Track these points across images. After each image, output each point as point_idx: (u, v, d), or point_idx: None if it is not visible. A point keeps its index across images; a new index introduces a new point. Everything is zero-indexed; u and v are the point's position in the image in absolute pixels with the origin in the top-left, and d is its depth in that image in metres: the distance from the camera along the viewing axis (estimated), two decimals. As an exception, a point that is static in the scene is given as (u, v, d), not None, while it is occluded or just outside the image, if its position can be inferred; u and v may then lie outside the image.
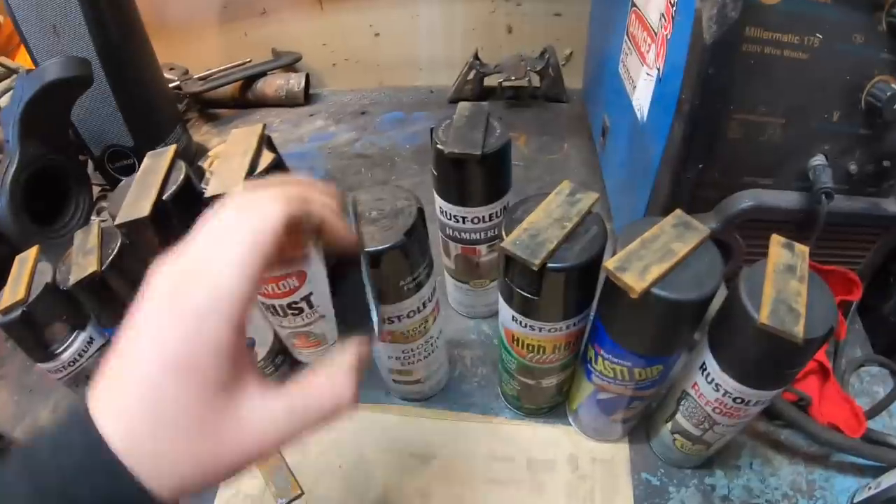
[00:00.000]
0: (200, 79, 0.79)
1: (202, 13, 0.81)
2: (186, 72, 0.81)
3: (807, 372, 0.43)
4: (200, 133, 0.82)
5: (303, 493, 0.41)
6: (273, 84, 0.81)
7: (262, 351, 0.44)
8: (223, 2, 0.81)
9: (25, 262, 0.39)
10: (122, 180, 0.60)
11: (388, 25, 0.83)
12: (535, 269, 0.29)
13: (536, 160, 0.70)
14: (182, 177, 0.34)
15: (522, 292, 0.32)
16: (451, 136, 0.38)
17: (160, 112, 0.61)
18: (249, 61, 0.82)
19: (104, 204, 0.68)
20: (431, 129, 0.39)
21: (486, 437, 0.43)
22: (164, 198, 0.33)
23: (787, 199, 0.40)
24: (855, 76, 0.37)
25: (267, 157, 0.33)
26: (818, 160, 0.39)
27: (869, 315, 0.50)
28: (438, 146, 0.38)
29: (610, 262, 0.29)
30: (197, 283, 0.20)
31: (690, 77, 0.36)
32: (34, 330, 0.38)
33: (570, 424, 0.43)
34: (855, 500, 0.39)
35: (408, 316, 0.36)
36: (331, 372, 0.22)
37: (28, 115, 0.49)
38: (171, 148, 0.36)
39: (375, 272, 0.32)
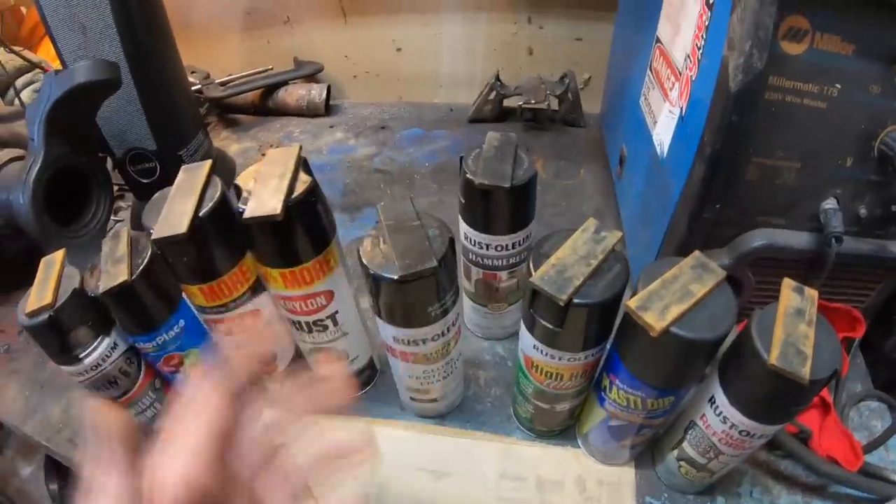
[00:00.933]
0: (221, 84, 0.80)
1: (226, 18, 0.83)
2: (208, 76, 0.82)
3: (809, 406, 0.45)
4: (220, 138, 0.83)
5: (316, 504, 0.43)
6: (295, 94, 0.82)
7: (281, 365, 0.45)
8: (247, 7, 0.82)
9: (52, 265, 0.40)
10: (142, 182, 0.62)
11: (411, 41, 0.85)
12: (561, 304, 0.31)
13: (553, 185, 0.72)
14: (218, 194, 0.36)
15: (546, 324, 0.33)
16: (480, 166, 0.40)
17: (183, 116, 0.63)
18: (271, 69, 0.84)
19: (121, 204, 0.69)
20: (461, 158, 0.41)
21: (497, 456, 0.44)
22: (200, 215, 0.34)
23: (798, 239, 0.42)
24: (869, 125, 0.39)
25: (304, 181, 0.35)
26: (830, 204, 0.41)
27: (870, 351, 0.52)
28: (468, 176, 0.39)
29: (632, 302, 0.31)
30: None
31: (713, 121, 0.37)
32: (59, 334, 0.39)
33: (578, 447, 0.45)
34: None
35: (432, 339, 0.37)
36: None
37: (54, 115, 0.49)
38: (207, 163, 0.37)
39: (403, 295, 0.33)
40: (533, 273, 0.32)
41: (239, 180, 0.36)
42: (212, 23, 0.83)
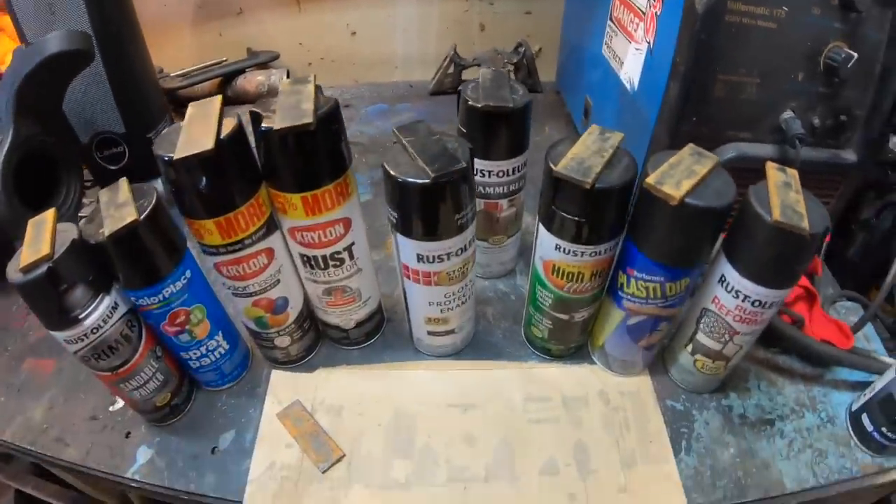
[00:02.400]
0: (179, 76, 0.80)
1: (177, 12, 0.83)
2: (161, 70, 0.81)
3: (797, 296, 0.50)
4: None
5: (344, 455, 0.42)
6: (254, 81, 0.82)
7: (292, 314, 0.45)
8: (199, 1, 0.82)
9: (43, 222, 0.38)
10: (109, 169, 0.60)
11: (365, 24, 0.88)
12: (587, 188, 0.33)
13: None
14: (236, 123, 0.36)
15: (570, 216, 0.36)
16: (481, 94, 0.43)
17: (152, 100, 0.61)
18: (224, 61, 0.84)
19: (85, 201, 0.66)
20: (458, 90, 0.44)
21: (519, 381, 0.46)
22: (222, 137, 0.34)
23: (764, 150, 0.48)
24: (815, 42, 0.45)
25: (327, 100, 0.36)
26: (788, 114, 0.47)
27: (835, 260, 0.59)
28: (470, 102, 0.42)
29: (650, 178, 0.34)
30: None
31: (683, 43, 0.43)
32: (58, 291, 0.36)
33: (593, 363, 0.48)
34: (852, 409, 0.45)
35: (455, 254, 0.39)
36: None
37: (25, 91, 0.47)
38: (218, 98, 0.38)
39: (434, 200, 0.35)
40: (554, 167, 0.35)
41: (255, 107, 0.36)
42: (162, 18, 0.82)
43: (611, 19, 0.57)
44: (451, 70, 0.83)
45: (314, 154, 0.36)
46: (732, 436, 0.44)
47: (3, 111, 0.48)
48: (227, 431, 0.44)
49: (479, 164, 0.45)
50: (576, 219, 0.36)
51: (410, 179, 0.34)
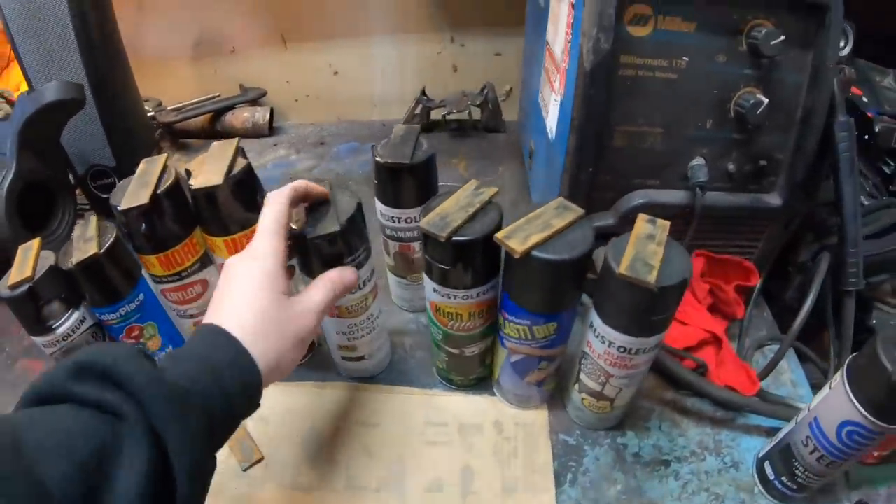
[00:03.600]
0: (174, 110, 0.98)
1: (176, 49, 1.01)
2: (160, 103, 1.00)
3: (703, 342, 0.57)
4: (173, 160, 0.98)
5: (263, 458, 0.55)
6: (240, 117, 1.00)
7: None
8: (196, 40, 1.00)
9: (29, 249, 0.53)
10: (102, 197, 0.77)
11: (346, 65, 1.04)
12: (442, 241, 0.44)
13: None
14: (173, 177, 0.50)
15: (438, 264, 0.46)
16: (387, 150, 0.54)
17: (140, 136, 0.78)
18: (218, 95, 1.02)
19: (80, 221, 0.84)
20: (372, 146, 0.56)
21: (422, 407, 0.56)
22: (158, 192, 0.49)
23: (672, 196, 0.56)
24: (722, 90, 0.52)
25: (241, 163, 0.50)
26: (697, 161, 0.55)
27: (774, 303, 0.65)
28: (377, 158, 0.53)
29: (500, 233, 0.44)
30: (252, 251, 0.42)
31: (577, 98, 0.52)
32: (36, 305, 0.51)
33: (494, 395, 0.57)
34: (759, 455, 0.51)
35: (352, 291, 0.51)
36: (336, 268, 0.46)
37: (26, 131, 0.63)
38: (163, 156, 0.52)
39: (322, 254, 0.47)
40: (420, 221, 0.46)
41: (189, 165, 0.51)
42: (163, 54, 1.00)
43: (543, 69, 0.67)
44: (418, 109, 0.97)
45: (230, 207, 0.49)
46: (622, 473, 0.51)
47: (7, 148, 0.65)
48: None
49: (388, 212, 0.56)
50: (441, 266, 0.47)
51: (306, 234, 0.45)
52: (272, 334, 0.39)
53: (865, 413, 0.39)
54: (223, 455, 0.55)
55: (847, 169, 0.55)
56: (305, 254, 0.47)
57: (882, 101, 0.66)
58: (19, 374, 0.66)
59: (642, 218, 0.45)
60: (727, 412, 0.56)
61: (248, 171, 0.50)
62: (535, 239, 0.43)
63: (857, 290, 0.56)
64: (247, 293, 0.40)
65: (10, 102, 0.85)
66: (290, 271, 0.46)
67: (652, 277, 0.40)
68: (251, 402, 0.38)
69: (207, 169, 0.49)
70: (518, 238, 0.43)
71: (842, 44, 0.68)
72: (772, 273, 0.65)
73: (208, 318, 0.39)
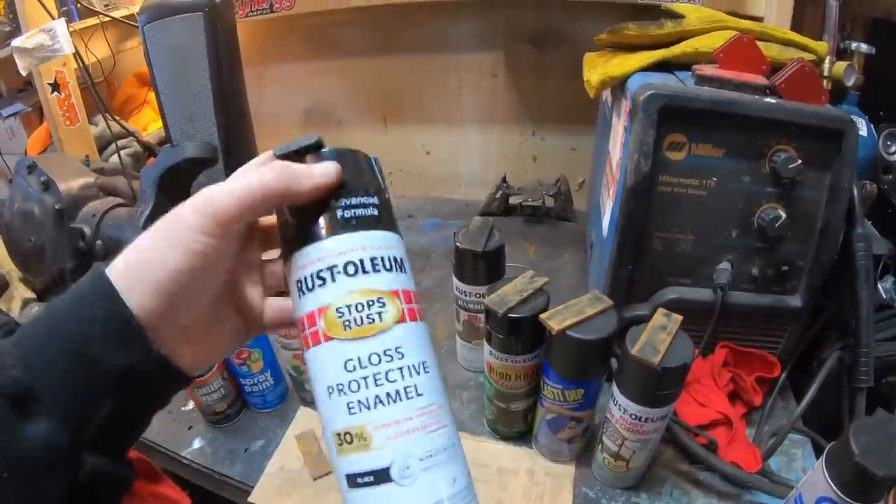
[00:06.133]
0: None
1: (289, 116, 1.22)
2: (272, 165, 1.21)
3: (716, 422, 0.66)
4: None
5: (331, 472, 0.68)
6: None
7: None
8: (308, 109, 1.21)
9: None
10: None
11: (438, 147, 1.22)
12: (500, 315, 0.57)
13: (540, 265, 1.03)
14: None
15: (495, 333, 0.60)
16: (465, 237, 0.69)
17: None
18: None
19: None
20: (455, 233, 0.70)
21: (470, 450, 0.67)
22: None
23: (700, 294, 0.66)
24: (746, 205, 0.63)
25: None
26: (723, 265, 0.66)
27: (800, 395, 0.73)
28: (457, 243, 0.68)
29: (544, 315, 0.57)
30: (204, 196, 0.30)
31: (621, 208, 0.65)
32: None
33: (532, 448, 0.68)
34: None
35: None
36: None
37: (165, 178, 0.80)
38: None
39: None
40: (485, 299, 0.59)
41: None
42: (277, 119, 1.21)
43: (605, 174, 0.80)
44: (498, 195, 1.14)
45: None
46: (633, 529, 0.62)
47: (148, 189, 0.82)
48: (258, 440, 0.72)
49: (462, 286, 0.71)
50: (497, 335, 0.59)
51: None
52: (158, 248, 0.29)
53: (837, 490, 0.47)
54: (299, 467, 0.68)
55: (864, 275, 0.64)
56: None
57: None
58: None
59: (660, 312, 0.57)
60: (734, 488, 0.64)
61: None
62: (569, 321, 0.55)
63: (879, 388, 0.63)
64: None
65: (140, 142, 1.06)
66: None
67: (656, 360, 0.51)
68: (128, 352, 0.28)
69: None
70: (557, 319, 0.56)
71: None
72: (800, 367, 0.73)
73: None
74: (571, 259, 1.05)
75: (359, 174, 0.33)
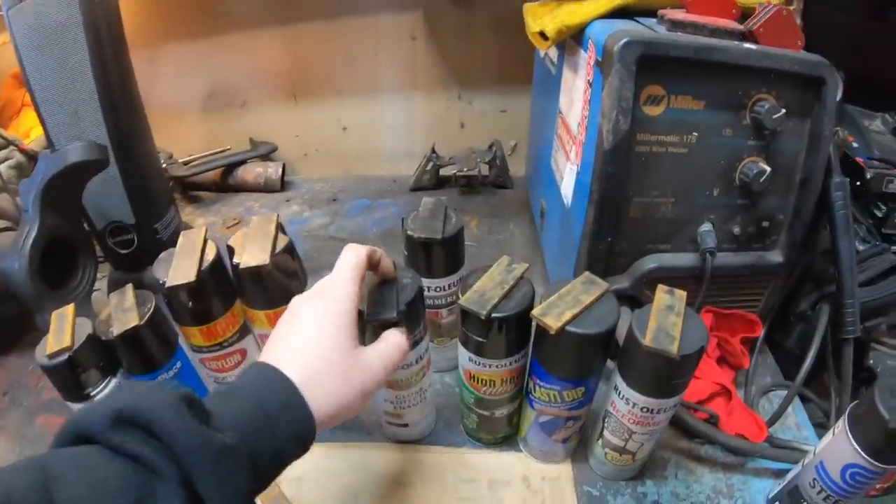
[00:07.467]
0: (185, 163, 1.01)
1: (188, 102, 1.05)
2: (171, 155, 1.02)
3: (713, 394, 0.62)
4: (185, 213, 1.03)
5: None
6: (252, 172, 1.04)
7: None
8: (208, 93, 1.04)
9: (65, 316, 0.54)
10: (120, 253, 0.79)
11: (355, 120, 1.10)
12: (482, 318, 0.48)
13: (486, 240, 0.96)
14: (214, 251, 0.53)
15: (475, 337, 0.51)
16: (418, 224, 0.58)
17: (158, 193, 0.80)
18: (229, 149, 1.06)
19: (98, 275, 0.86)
20: (402, 219, 0.60)
21: (452, 464, 0.60)
22: (202, 268, 0.52)
23: (683, 259, 0.61)
24: (728, 160, 0.58)
25: (283, 240, 0.53)
26: (705, 227, 0.60)
27: (777, 350, 0.71)
28: (409, 232, 0.58)
29: (536, 311, 0.48)
30: (325, 291, 0.42)
31: (596, 173, 0.57)
32: (75, 373, 0.53)
33: (520, 451, 0.61)
34: (769, 497, 0.56)
35: (404, 367, 0.54)
36: (392, 333, 0.46)
37: (49, 190, 0.65)
38: (203, 229, 0.55)
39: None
40: (459, 299, 0.50)
41: (231, 242, 0.54)
42: (175, 106, 1.04)
43: (556, 135, 0.72)
44: (429, 167, 1.04)
45: (273, 283, 0.53)
46: (644, 521, 0.57)
47: (31, 206, 0.66)
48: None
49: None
50: (479, 339, 0.51)
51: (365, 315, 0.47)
52: (336, 380, 0.39)
53: (866, 456, 0.44)
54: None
55: (843, 225, 0.61)
56: (362, 331, 0.50)
57: (871, 145, 0.71)
58: (38, 433, 0.67)
59: (662, 289, 0.50)
60: (737, 458, 0.61)
61: (291, 247, 0.53)
62: (567, 315, 0.48)
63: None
64: (314, 332, 0.39)
65: (22, 151, 0.86)
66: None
67: (674, 348, 0.45)
68: (301, 449, 0.37)
69: (251, 247, 0.52)
70: (553, 315, 0.48)
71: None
72: (773, 321, 0.70)
73: (265, 355, 0.39)
74: (519, 230, 0.98)
75: None
